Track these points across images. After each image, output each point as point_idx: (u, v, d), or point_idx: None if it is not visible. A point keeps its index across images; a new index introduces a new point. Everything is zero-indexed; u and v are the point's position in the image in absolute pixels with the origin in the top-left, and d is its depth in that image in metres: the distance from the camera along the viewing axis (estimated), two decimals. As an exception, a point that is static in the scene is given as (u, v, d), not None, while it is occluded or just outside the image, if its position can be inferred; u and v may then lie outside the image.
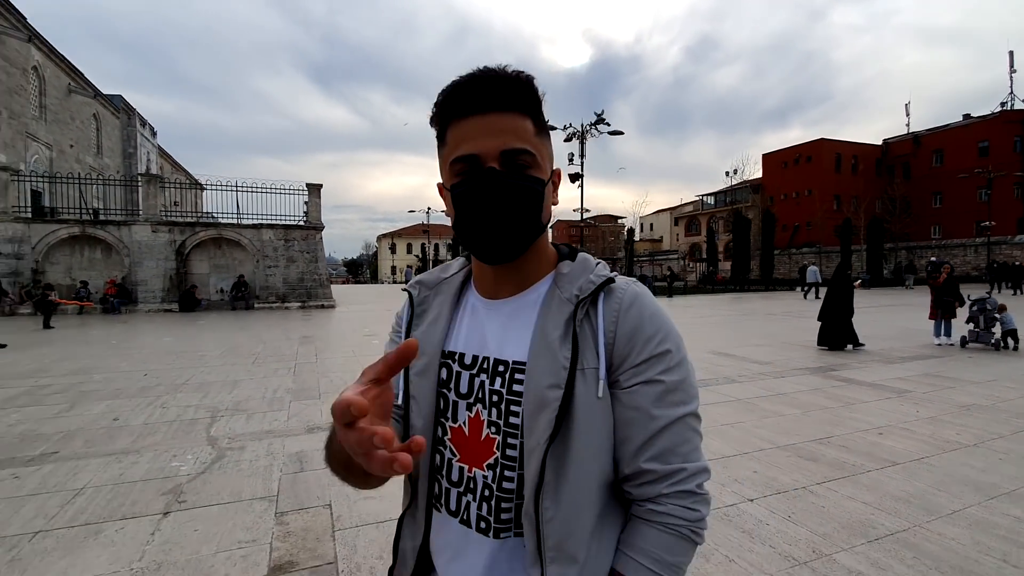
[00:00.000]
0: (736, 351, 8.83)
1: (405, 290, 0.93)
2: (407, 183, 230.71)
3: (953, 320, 9.32)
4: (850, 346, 8.85)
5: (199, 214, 21.77)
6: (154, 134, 43.57)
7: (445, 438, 0.81)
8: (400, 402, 0.84)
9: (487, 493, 0.76)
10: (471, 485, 0.77)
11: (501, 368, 0.77)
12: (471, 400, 0.79)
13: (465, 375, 0.80)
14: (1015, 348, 8.61)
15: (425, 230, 58.89)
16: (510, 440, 0.74)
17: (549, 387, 0.70)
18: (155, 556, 2.63)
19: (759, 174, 55.26)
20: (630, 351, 0.72)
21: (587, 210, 28.12)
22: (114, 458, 3.98)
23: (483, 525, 0.76)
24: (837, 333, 8.88)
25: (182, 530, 2.90)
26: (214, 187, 18.50)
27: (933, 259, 25.00)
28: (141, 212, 17.97)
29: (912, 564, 2.49)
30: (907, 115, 60.56)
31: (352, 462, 0.54)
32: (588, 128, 24.43)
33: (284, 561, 2.58)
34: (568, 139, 25.33)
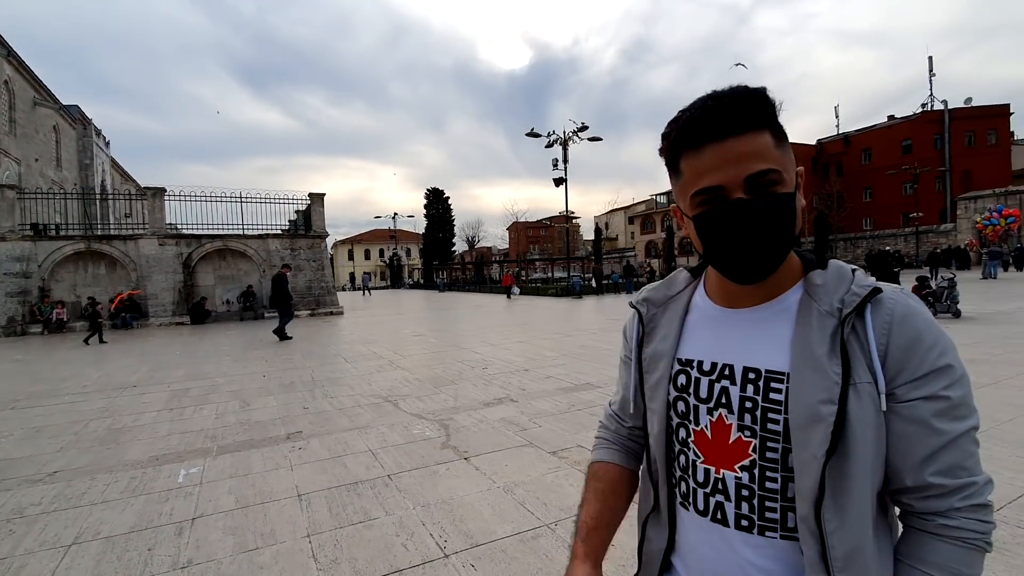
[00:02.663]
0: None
1: (633, 306, 0.97)
2: (350, 187, 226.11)
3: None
4: None
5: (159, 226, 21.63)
6: (107, 144, 41.83)
7: (689, 440, 0.85)
8: (639, 423, 0.96)
9: (745, 493, 0.78)
10: (719, 486, 0.81)
11: (752, 375, 0.78)
12: (711, 405, 0.82)
13: (704, 380, 0.83)
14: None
15: (392, 235, 58.92)
16: (770, 444, 0.76)
17: (822, 402, 0.70)
18: (501, 480, 3.60)
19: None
20: (907, 363, 0.70)
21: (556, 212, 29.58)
22: (363, 431, 4.85)
23: (745, 523, 0.78)
24: None
25: (493, 467, 3.84)
26: (219, 199, 18.61)
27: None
28: (147, 226, 17.91)
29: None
30: (836, 116, 66.36)
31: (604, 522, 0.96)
32: (570, 135, 25.96)
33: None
34: (549, 145, 26.84)
